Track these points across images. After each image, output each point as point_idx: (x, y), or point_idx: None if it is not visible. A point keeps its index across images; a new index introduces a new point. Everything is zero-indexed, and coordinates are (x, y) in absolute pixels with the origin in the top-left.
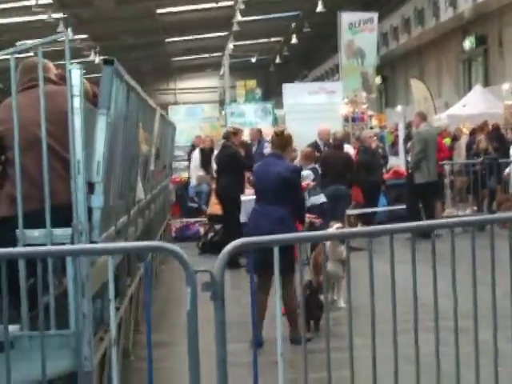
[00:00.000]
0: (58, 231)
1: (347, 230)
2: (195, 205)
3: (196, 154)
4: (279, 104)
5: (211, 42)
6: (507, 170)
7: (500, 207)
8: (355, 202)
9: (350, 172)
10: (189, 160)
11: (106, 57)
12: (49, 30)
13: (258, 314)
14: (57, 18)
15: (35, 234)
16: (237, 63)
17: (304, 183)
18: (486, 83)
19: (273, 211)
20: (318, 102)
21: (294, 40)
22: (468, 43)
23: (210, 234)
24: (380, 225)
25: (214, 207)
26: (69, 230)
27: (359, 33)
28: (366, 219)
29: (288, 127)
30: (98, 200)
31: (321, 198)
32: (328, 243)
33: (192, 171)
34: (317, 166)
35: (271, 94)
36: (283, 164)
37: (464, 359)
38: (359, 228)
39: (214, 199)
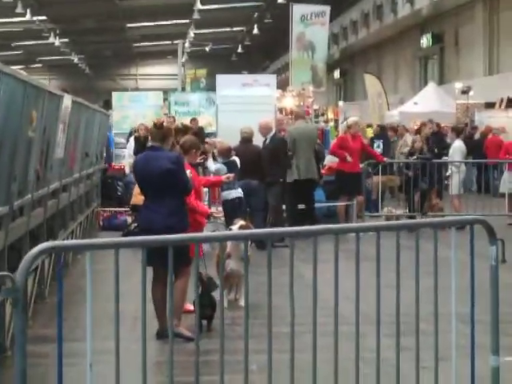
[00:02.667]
0: None
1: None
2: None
3: (131, 143)
4: None
5: (172, 29)
6: (448, 172)
7: (432, 209)
8: None
9: (259, 166)
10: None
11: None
12: (7, 10)
13: (157, 307)
14: None
15: None
16: (199, 52)
17: (224, 177)
18: (441, 81)
19: (164, 205)
20: (250, 94)
21: (255, 30)
22: (425, 41)
23: (134, 225)
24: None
25: (138, 197)
26: None
27: (310, 26)
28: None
29: (220, 119)
30: None
31: (233, 194)
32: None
33: (126, 159)
34: (236, 159)
35: None
36: (165, 155)
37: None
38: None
39: (137, 189)
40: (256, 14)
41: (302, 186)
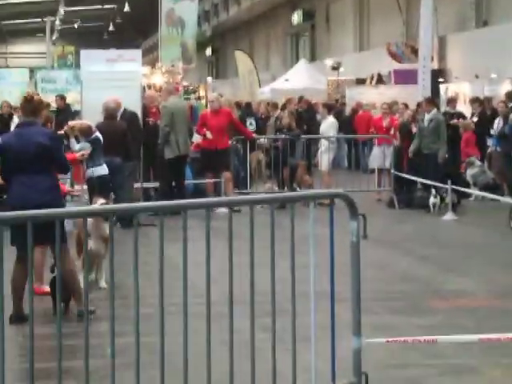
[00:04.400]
0: None
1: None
2: None
3: None
4: None
5: (42, 7)
6: (321, 148)
7: (301, 185)
8: None
9: (124, 144)
10: None
11: None
12: None
13: (16, 289)
14: None
15: None
16: (70, 29)
17: (78, 154)
18: (313, 58)
19: (41, 181)
20: (115, 70)
21: (126, 8)
22: (296, 17)
23: None
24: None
25: None
26: None
27: (180, 1)
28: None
29: (85, 96)
30: None
31: (98, 171)
32: (90, 220)
33: None
34: (98, 136)
35: None
36: (41, 131)
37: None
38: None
39: None
40: None
41: (177, 162)
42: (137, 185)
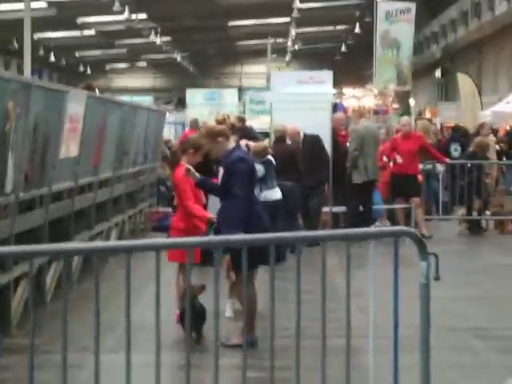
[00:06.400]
0: None
1: None
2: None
3: None
4: None
5: (273, 28)
6: None
7: (496, 211)
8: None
9: (296, 167)
10: None
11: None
12: (105, 8)
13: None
14: None
15: None
16: (302, 51)
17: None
18: None
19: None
20: (305, 91)
21: (357, 29)
22: None
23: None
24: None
25: None
26: None
27: (395, 23)
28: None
29: (274, 117)
30: None
31: (271, 195)
32: None
33: None
34: (271, 158)
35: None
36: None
37: None
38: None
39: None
40: (357, 13)
41: (365, 187)
42: (326, 209)
